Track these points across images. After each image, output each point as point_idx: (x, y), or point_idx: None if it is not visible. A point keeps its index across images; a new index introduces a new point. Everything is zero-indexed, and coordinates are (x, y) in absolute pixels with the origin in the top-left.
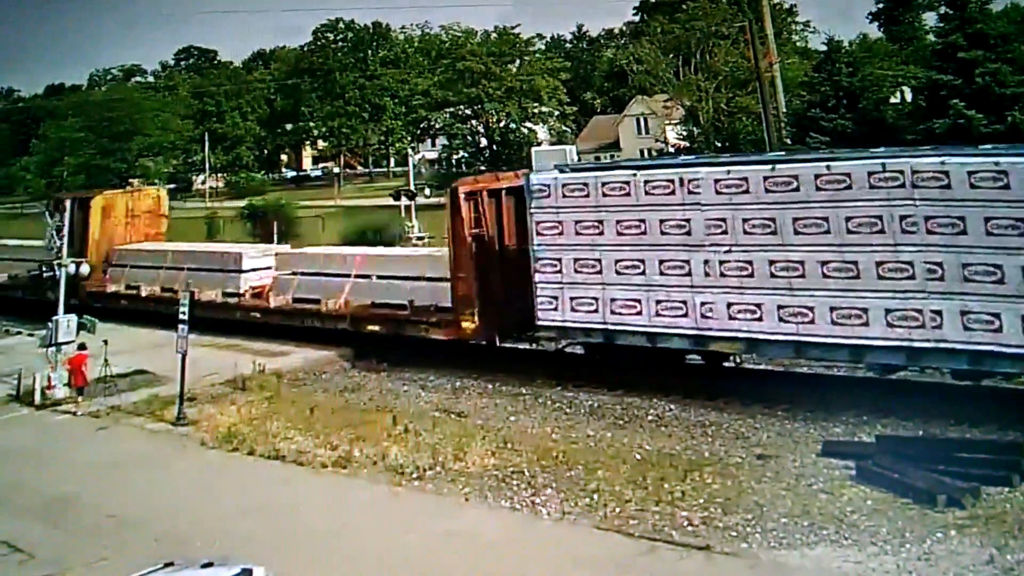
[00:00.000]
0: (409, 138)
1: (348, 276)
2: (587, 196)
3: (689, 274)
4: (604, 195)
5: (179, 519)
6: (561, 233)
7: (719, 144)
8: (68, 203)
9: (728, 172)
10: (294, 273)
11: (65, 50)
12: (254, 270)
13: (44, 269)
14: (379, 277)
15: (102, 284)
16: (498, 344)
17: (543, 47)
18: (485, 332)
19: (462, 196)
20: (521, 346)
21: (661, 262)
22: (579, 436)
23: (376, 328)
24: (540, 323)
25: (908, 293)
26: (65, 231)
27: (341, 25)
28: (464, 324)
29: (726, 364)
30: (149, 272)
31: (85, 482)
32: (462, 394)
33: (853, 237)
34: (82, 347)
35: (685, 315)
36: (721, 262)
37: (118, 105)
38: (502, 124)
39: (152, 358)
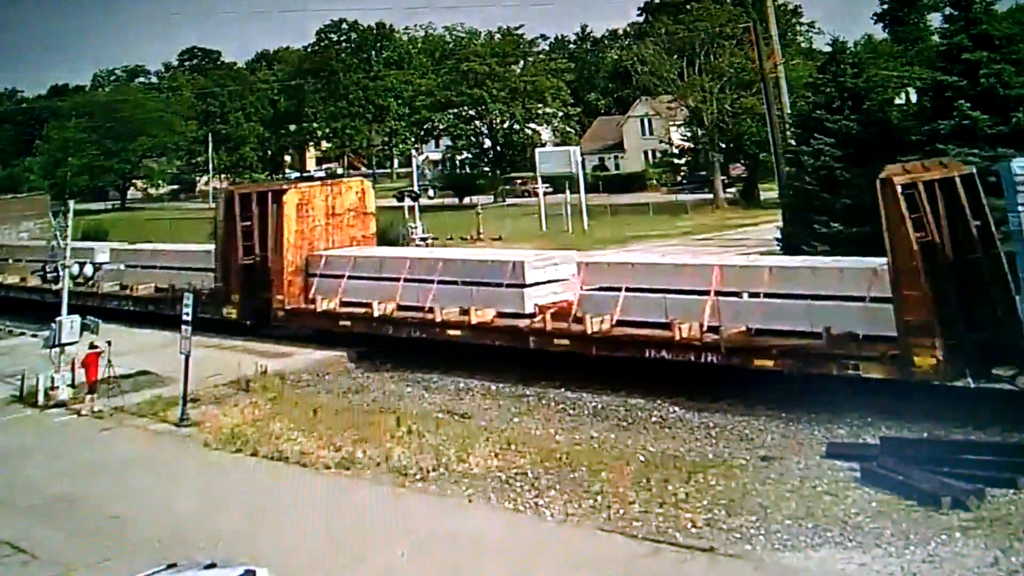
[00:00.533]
0: (413, 139)
1: (706, 293)
2: None
3: None
4: None
5: (182, 520)
6: None
7: (723, 145)
8: (245, 198)
9: None
10: (614, 289)
11: (69, 51)
12: (541, 283)
13: (48, 270)
14: (757, 295)
15: (305, 300)
16: (972, 385)
17: (547, 48)
18: (951, 369)
19: (899, 189)
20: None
21: None
22: (583, 438)
23: (769, 363)
24: None
25: None
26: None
27: (345, 26)
28: (919, 359)
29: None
30: (380, 285)
31: (88, 483)
32: (465, 395)
33: None
34: (92, 347)
35: None
36: None
37: (122, 106)
38: (506, 125)
39: (155, 359)
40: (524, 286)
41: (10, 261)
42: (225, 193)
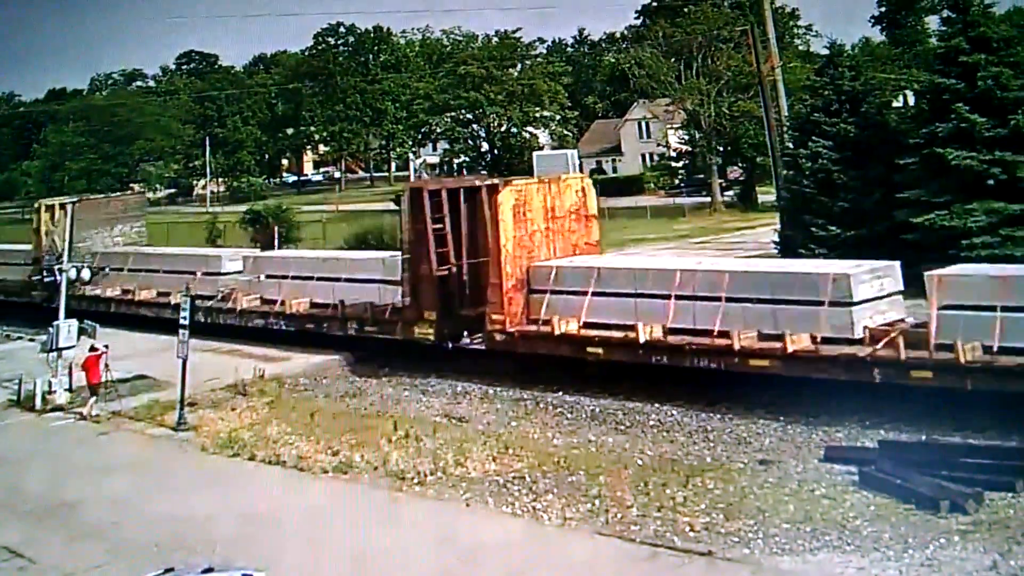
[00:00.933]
0: (410, 142)
1: None
2: None
3: None
4: None
5: (179, 524)
6: None
7: (720, 148)
8: (438, 195)
9: None
10: (983, 308)
11: (67, 54)
12: (869, 300)
13: (45, 273)
14: None
15: (527, 320)
16: None
17: (544, 51)
18: None
19: None
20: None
21: None
22: (580, 441)
23: None
24: None
25: None
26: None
27: (342, 29)
28: None
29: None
30: (638, 303)
31: (86, 487)
32: (463, 399)
33: None
34: (92, 349)
35: None
36: None
37: (119, 110)
38: (503, 128)
39: (152, 363)
40: (851, 304)
41: (106, 270)
42: (410, 189)
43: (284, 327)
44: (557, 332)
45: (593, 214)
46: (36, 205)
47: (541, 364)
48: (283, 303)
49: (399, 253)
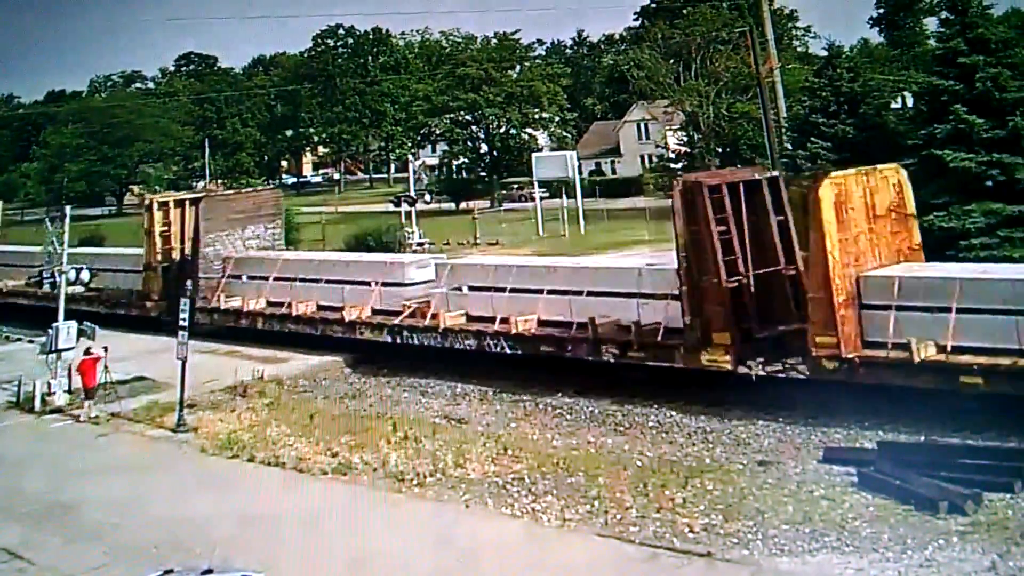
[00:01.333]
0: (409, 144)
1: None
2: None
3: None
4: None
5: (179, 526)
6: None
7: (719, 149)
8: (714, 188)
9: None
10: None
11: (66, 56)
12: None
13: (44, 276)
14: None
15: (861, 341)
16: None
17: (543, 53)
18: None
19: None
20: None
21: None
22: (580, 443)
23: None
24: None
25: None
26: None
27: (341, 31)
28: None
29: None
30: (1019, 322)
31: (85, 489)
32: (462, 400)
33: None
34: (88, 352)
35: None
36: None
37: (118, 111)
38: (502, 130)
39: (151, 364)
40: None
41: (243, 279)
42: (683, 185)
43: (509, 350)
44: (918, 359)
45: (912, 213)
46: (147, 202)
47: (872, 395)
48: (505, 321)
49: (655, 262)
